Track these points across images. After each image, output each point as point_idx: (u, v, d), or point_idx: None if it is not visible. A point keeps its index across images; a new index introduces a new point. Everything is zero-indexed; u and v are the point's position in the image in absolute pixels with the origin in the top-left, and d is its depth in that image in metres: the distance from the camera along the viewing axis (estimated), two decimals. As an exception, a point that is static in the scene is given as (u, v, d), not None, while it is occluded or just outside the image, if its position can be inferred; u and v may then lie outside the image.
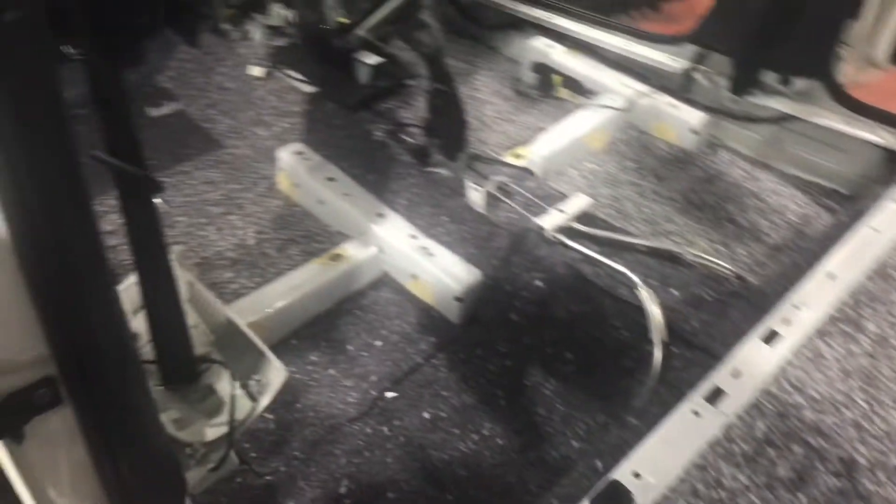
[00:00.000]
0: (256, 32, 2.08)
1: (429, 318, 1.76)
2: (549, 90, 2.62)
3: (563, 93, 2.60)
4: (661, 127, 2.37)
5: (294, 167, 2.02)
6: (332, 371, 1.64)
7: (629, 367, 1.50)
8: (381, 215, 1.87)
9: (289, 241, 1.99)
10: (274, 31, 2.12)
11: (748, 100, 2.24)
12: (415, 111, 2.00)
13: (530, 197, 1.70)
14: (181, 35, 2.48)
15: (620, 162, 2.28)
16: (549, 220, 1.60)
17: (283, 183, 2.10)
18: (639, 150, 2.33)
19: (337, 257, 1.82)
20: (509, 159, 2.08)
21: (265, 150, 2.17)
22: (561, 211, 1.63)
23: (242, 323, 1.32)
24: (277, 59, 2.10)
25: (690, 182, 2.20)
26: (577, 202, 1.67)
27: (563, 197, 1.75)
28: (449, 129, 1.71)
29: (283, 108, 2.16)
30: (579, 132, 2.30)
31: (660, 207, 2.11)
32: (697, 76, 2.34)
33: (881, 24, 2.15)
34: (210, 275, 1.88)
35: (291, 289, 1.73)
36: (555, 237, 1.57)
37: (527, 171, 1.84)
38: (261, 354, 1.28)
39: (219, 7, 2.19)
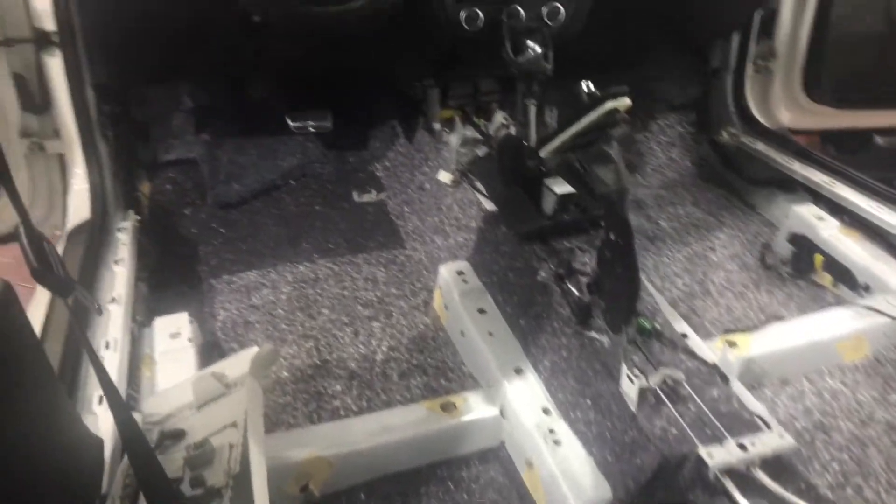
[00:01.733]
0: (453, 138, 1.90)
1: (532, 526, 1.32)
2: (805, 271, 2.05)
3: (824, 278, 2.00)
4: (958, 358, 1.67)
5: (449, 287, 1.76)
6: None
7: None
8: (519, 371, 1.50)
9: (416, 369, 1.70)
10: (473, 139, 1.93)
11: None
12: (594, 259, 1.62)
13: (705, 410, 1.21)
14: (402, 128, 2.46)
15: (883, 389, 1.63)
16: (720, 454, 1.10)
17: (437, 301, 1.85)
18: (915, 382, 1.65)
19: (450, 407, 1.48)
20: (710, 348, 1.58)
21: (437, 261, 1.95)
22: (741, 447, 1.11)
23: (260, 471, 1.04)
24: (470, 168, 1.90)
25: None
26: (772, 439, 1.13)
27: (757, 425, 1.22)
28: (614, 291, 1.31)
29: (463, 221, 1.93)
30: (830, 334, 1.71)
31: (927, 476, 1.43)
32: None
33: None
34: (321, 382, 1.66)
35: (383, 430, 1.43)
36: (719, 481, 1.07)
37: (716, 371, 1.34)
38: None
39: (433, 105, 2.08)
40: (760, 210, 2.40)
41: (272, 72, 2.25)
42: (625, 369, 1.28)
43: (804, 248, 2.05)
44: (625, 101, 1.24)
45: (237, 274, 2.03)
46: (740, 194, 2.50)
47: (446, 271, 1.80)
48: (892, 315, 1.74)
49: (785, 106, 2.62)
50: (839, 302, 1.87)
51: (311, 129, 2.20)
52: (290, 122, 2.18)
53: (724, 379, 1.35)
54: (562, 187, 1.59)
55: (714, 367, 1.36)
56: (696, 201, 2.46)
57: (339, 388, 1.65)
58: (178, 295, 1.90)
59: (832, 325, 1.73)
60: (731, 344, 1.66)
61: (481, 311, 1.68)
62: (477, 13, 1.71)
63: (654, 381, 1.25)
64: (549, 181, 1.62)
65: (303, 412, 1.58)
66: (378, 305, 1.93)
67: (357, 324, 1.85)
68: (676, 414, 1.20)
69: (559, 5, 1.74)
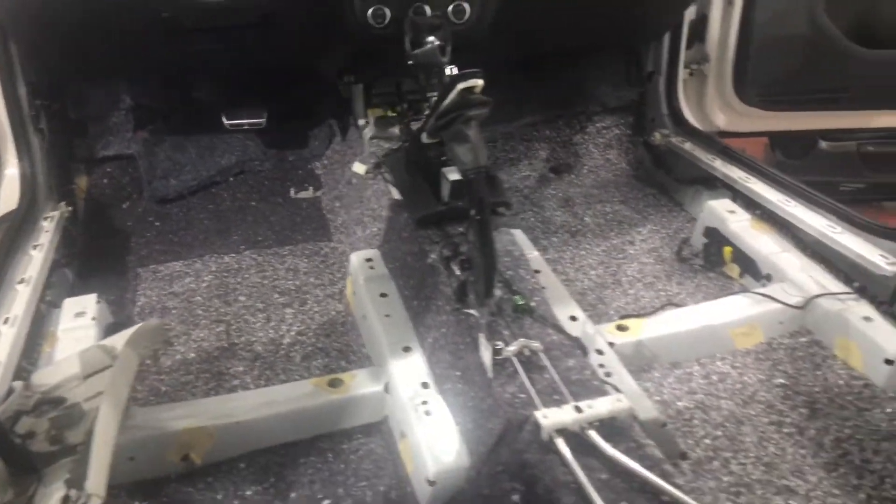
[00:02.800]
0: (366, 131, 1.97)
1: (398, 493, 1.37)
2: (716, 263, 2.09)
3: (733, 269, 2.05)
4: (844, 344, 1.70)
5: (356, 274, 1.82)
6: (258, 517, 1.34)
7: None
8: (407, 349, 1.55)
9: (320, 351, 1.76)
10: (389, 132, 2.00)
11: None
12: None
13: (556, 379, 1.25)
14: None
15: (769, 374, 1.67)
16: (555, 415, 1.14)
17: (348, 288, 1.90)
18: (801, 366, 1.69)
19: (337, 383, 1.53)
20: (599, 332, 1.63)
21: (357, 252, 2.00)
22: (577, 409, 1.15)
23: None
24: (382, 160, 1.96)
25: (860, 431, 1.51)
26: (608, 402, 1.17)
27: (605, 392, 1.25)
28: (477, 266, 1.36)
29: (378, 211, 1.99)
30: (723, 320, 1.75)
31: (795, 453, 1.46)
32: (917, 289, 1.66)
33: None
34: (225, 363, 1.72)
35: (267, 404, 1.48)
36: (552, 441, 1.11)
37: (577, 345, 1.39)
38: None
39: (357, 102, 2.15)
40: (687, 207, 2.45)
41: (208, 71, 2.33)
42: (482, 339, 1.33)
43: (716, 240, 2.09)
44: (476, 83, 1.30)
45: (164, 264, 2.10)
46: (670, 193, 2.55)
47: (356, 259, 1.86)
48: (784, 302, 1.78)
49: (719, 108, 2.68)
50: (742, 291, 1.91)
51: (246, 127, 2.27)
52: (225, 121, 2.25)
53: (584, 351, 1.40)
54: (455, 174, 1.65)
55: (575, 341, 1.40)
56: (625, 200, 2.51)
57: (241, 368, 1.70)
58: (103, 282, 1.96)
59: (726, 312, 1.77)
60: (623, 328, 1.72)
61: (383, 295, 1.73)
62: (384, 11, 1.77)
63: (512, 350, 1.29)
64: (446, 169, 1.68)
65: (202, 389, 1.63)
66: (295, 294, 1.98)
67: (271, 310, 1.91)
68: (528, 381, 1.25)
69: (465, 4, 1.81)
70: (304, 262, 2.12)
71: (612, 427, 1.16)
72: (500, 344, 1.32)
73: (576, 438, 1.14)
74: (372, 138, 1.99)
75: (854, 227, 1.85)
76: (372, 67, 2.08)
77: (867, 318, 1.68)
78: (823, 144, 3.25)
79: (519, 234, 1.97)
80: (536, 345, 1.31)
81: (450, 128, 1.32)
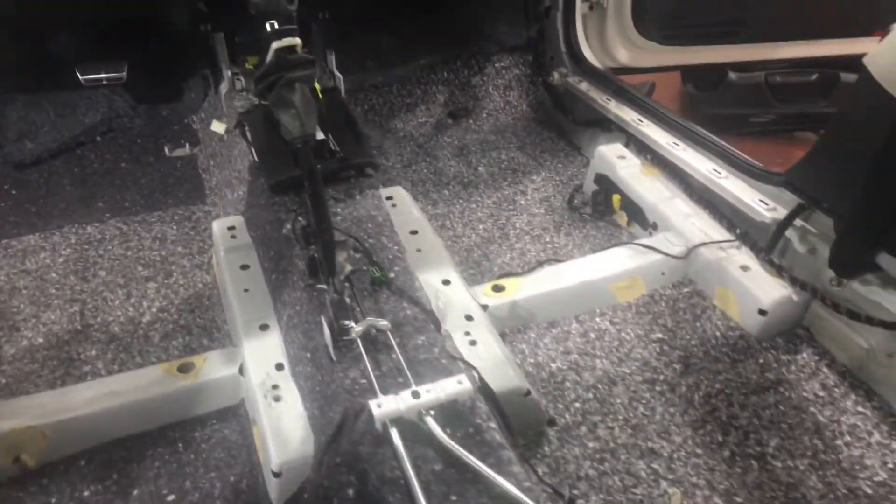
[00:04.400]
0: (223, 84, 1.80)
1: (249, 482, 1.29)
2: (606, 211, 2.03)
3: (622, 218, 1.99)
4: (723, 294, 1.67)
5: (218, 245, 1.69)
6: (98, 518, 1.25)
7: None
8: (264, 328, 1.45)
9: (182, 329, 1.65)
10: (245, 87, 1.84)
11: (855, 286, 1.49)
12: (348, 208, 1.57)
13: (401, 360, 1.18)
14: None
15: (647, 328, 1.64)
16: (390, 404, 1.07)
17: (213, 259, 1.78)
18: (681, 318, 1.66)
19: (189, 367, 1.43)
20: (473, 295, 1.55)
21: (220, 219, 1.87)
22: (415, 394, 1.08)
23: None
24: (243, 117, 1.81)
25: (731, 385, 1.49)
26: (449, 385, 1.10)
27: (449, 370, 1.18)
28: (318, 241, 1.26)
29: (244, 173, 1.86)
30: (602, 274, 1.69)
31: (664, 412, 1.44)
32: (792, 235, 1.63)
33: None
34: (76, 347, 1.59)
35: (108, 395, 1.37)
36: (386, 430, 1.04)
37: (430, 318, 1.31)
38: None
39: (219, 52, 1.98)
40: (585, 151, 2.37)
41: (60, 22, 2.10)
42: (324, 321, 1.23)
43: (605, 187, 2.03)
44: (293, 41, 1.16)
45: (17, 238, 1.93)
46: (568, 136, 2.46)
47: (218, 228, 1.73)
48: (666, 252, 1.73)
49: (621, 44, 2.56)
50: (630, 241, 1.86)
51: (105, 82, 2.07)
52: (79, 76, 2.04)
53: (437, 326, 1.32)
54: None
55: (429, 314, 1.32)
56: (522, 145, 2.42)
57: (93, 352, 1.58)
58: (-55, 263, 1.79)
59: (607, 266, 1.72)
60: (499, 288, 1.65)
61: (244, 267, 1.62)
62: (229, -50, 1.59)
63: (358, 330, 1.21)
64: (302, 129, 1.55)
65: (47, 379, 1.51)
66: (160, 265, 1.85)
67: (132, 285, 1.78)
68: (370, 365, 1.17)
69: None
70: (174, 230, 1.98)
71: (452, 411, 1.10)
72: (348, 323, 1.23)
73: (413, 427, 1.07)
74: (230, 92, 1.82)
75: (738, 171, 1.79)
76: (231, 13, 1.89)
77: (744, 268, 1.65)
78: (732, 76, 3.20)
79: (399, 192, 1.87)
80: (384, 323, 1.22)
81: (271, 92, 1.18)
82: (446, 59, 2.63)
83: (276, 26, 1.22)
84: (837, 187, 1.43)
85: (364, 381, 1.16)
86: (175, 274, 1.82)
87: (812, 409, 1.43)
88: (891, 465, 1.32)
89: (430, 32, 2.57)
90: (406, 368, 1.17)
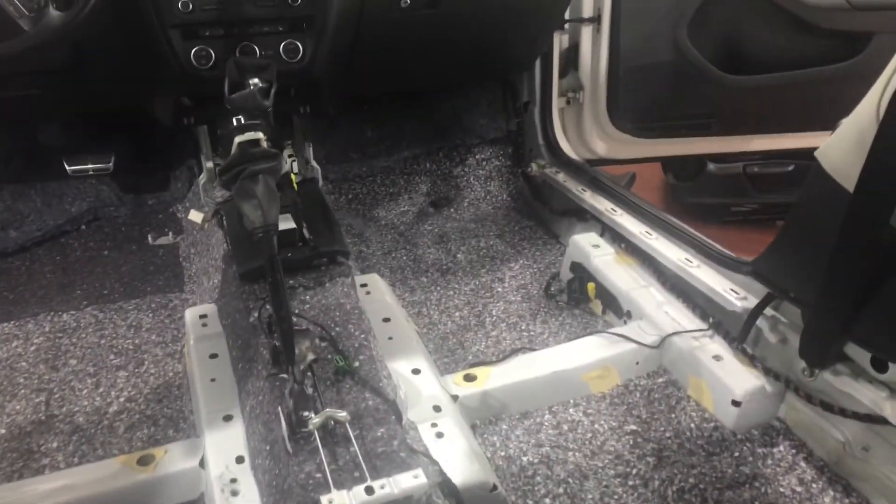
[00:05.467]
0: (202, 176, 1.85)
1: (201, 585, 1.24)
2: (581, 299, 2.04)
3: (597, 306, 2.00)
4: (697, 384, 1.66)
5: (188, 333, 1.69)
6: None
7: None
8: (228, 418, 1.43)
9: (147, 420, 1.62)
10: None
11: (827, 377, 1.48)
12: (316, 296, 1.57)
13: (358, 453, 1.15)
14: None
15: (621, 420, 1.61)
16: (341, 500, 1.03)
17: (186, 347, 1.77)
18: (656, 410, 1.64)
19: (148, 460, 1.40)
20: (443, 384, 1.54)
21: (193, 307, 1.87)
22: (368, 490, 1.05)
23: None
24: (220, 206, 1.84)
25: (705, 479, 1.45)
26: (405, 479, 1.07)
27: (408, 464, 1.16)
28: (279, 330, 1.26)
29: (219, 261, 1.87)
30: (575, 364, 1.68)
31: (636, 508, 1.39)
32: (763, 325, 1.62)
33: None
34: (38, 439, 1.56)
35: (63, 489, 1.33)
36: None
37: (392, 409, 1.29)
38: None
39: (202, 143, 2.03)
40: (562, 240, 2.40)
41: (49, 114, 2.17)
42: (280, 412, 1.22)
43: (580, 276, 2.04)
44: (255, 135, 1.21)
45: (-8, 326, 1.93)
46: (547, 225, 2.50)
47: (190, 316, 1.74)
48: (639, 341, 1.73)
49: (598, 136, 2.64)
50: (604, 330, 1.85)
51: (91, 173, 2.12)
52: (67, 167, 2.09)
53: (399, 417, 1.30)
54: (284, 223, 1.55)
55: (392, 405, 1.30)
56: (501, 233, 2.45)
57: (55, 444, 1.55)
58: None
59: (579, 355, 1.70)
60: (470, 377, 1.63)
61: (213, 356, 1.61)
62: (209, 52, 1.66)
63: (316, 422, 1.19)
64: (275, 220, 1.57)
65: (5, 472, 1.48)
66: (132, 354, 1.84)
67: (102, 374, 1.76)
68: (325, 459, 1.14)
69: (297, 42, 1.72)
70: (149, 318, 1.97)
71: (407, 507, 1.07)
72: (307, 414, 1.21)
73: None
74: (209, 183, 1.86)
75: (709, 260, 1.81)
76: (211, 107, 1.95)
77: (717, 357, 1.64)
78: (711, 167, 3.28)
79: (374, 279, 1.88)
80: (343, 415, 1.20)
81: (235, 183, 1.21)
82: (429, 150, 2.70)
83: (242, 121, 1.27)
84: (801, 276, 1.44)
85: (319, 475, 1.13)
86: (146, 363, 1.80)
87: (789, 505, 1.39)
88: (871, 566, 1.27)
89: (413, 125, 2.66)
90: (363, 462, 1.14)
